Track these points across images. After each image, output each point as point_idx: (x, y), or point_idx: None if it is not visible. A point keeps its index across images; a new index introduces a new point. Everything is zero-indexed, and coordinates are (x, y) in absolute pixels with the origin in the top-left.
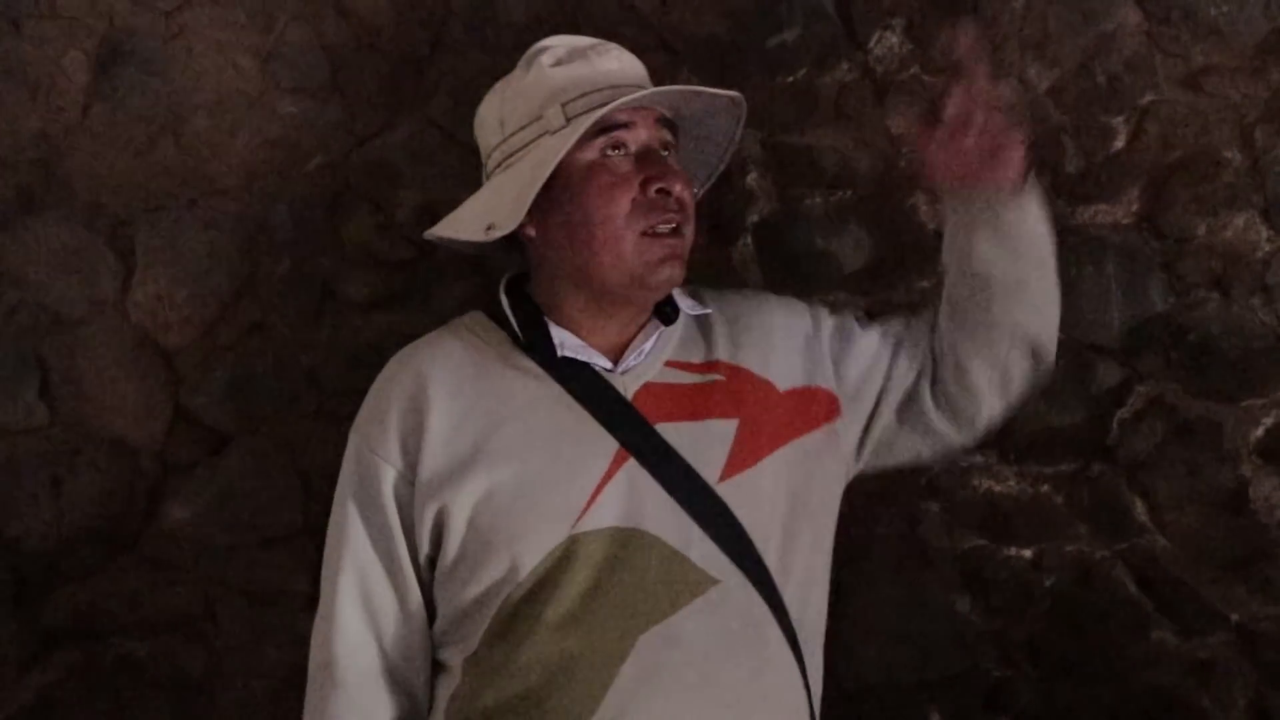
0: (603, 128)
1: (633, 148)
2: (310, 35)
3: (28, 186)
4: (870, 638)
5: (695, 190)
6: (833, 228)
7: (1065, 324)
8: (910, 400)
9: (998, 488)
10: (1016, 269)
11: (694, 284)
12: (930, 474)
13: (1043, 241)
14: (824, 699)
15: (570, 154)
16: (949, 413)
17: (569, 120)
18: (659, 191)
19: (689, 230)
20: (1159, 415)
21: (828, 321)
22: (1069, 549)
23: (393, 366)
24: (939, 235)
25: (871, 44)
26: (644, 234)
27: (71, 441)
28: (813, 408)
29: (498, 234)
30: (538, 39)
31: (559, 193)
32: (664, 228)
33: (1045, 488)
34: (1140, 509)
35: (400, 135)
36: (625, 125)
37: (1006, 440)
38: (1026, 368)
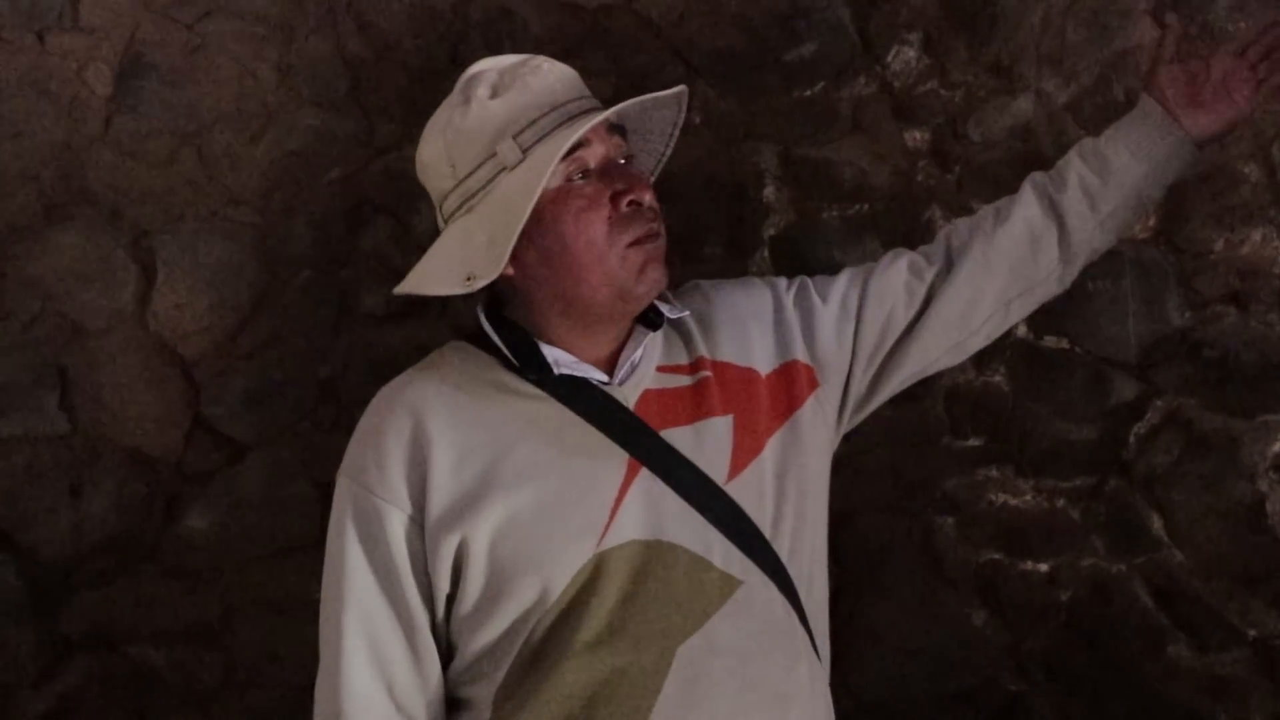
0: (563, 153)
1: (593, 165)
2: (330, 48)
3: (50, 197)
4: (886, 651)
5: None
6: (849, 241)
7: (1082, 338)
8: (882, 348)
9: (1014, 501)
10: (1150, 201)
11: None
12: (946, 487)
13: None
14: (841, 712)
15: None
16: (942, 329)
17: (525, 152)
18: (631, 204)
19: (663, 232)
20: (1176, 430)
21: (789, 292)
22: (1085, 563)
23: (381, 405)
24: None
25: (889, 58)
26: (628, 247)
27: (90, 450)
28: (796, 383)
29: (480, 284)
30: (555, 51)
31: (530, 227)
32: (648, 243)
33: (1061, 502)
34: (1157, 524)
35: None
36: (583, 144)
37: (1023, 454)
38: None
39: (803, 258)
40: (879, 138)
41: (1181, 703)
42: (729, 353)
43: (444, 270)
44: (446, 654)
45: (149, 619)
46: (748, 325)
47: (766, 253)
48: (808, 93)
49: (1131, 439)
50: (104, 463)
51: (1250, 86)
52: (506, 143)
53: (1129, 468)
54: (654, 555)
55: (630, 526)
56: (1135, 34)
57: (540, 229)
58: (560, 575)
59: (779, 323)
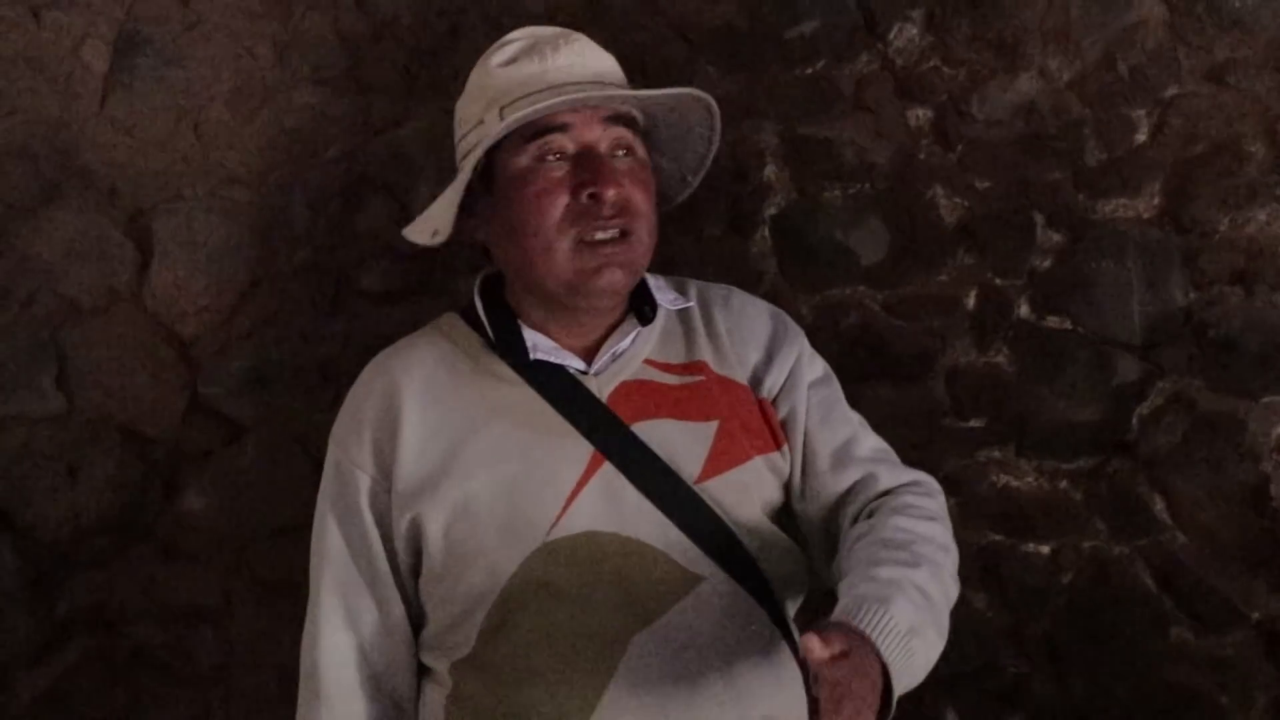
0: (536, 131)
1: (572, 150)
2: (327, 25)
3: (46, 176)
4: None
5: (686, 187)
6: (851, 220)
7: (1085, 318)
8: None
9: (1016, 483)
10: None
11: (683, 277)
12: (947, 469)
13: None
14: None
15: (507, 159)
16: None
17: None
18: (590, 197)
19: (641, 233)
20: (1179, 411)
21: (804, 358)
22: (1087, 545)
23: (368, 374)
24: (958, 229)
25: (891, 36)
26: (580, 243)
27: (88, 430)
28: (777, 429)
29: (440, 240)
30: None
31: (500, 199)
32: (601, 235)
33: (1064, 483)
34: (1160, 505)
35: (417, 125)
36: (561, 128)
37: (1025, 435)
38: None
39: (804, 237)
40: (881, 116)
41: (1183, 684)
42: (734, 369)
43: (423, 221)
44: (420, 618)
45: (147, 599)
46: (771, 355)
47: (767, 232)
48: (809, 71)
49: (1134, 420)
50: (101, 442)
51: None
52: (493, 112)
53: (1132, 449)
54: (608, 546)
55: (586, 518)
56: (1139, 10)
57: (504, 204)
58: (506, 563)
59: (792, 382)
